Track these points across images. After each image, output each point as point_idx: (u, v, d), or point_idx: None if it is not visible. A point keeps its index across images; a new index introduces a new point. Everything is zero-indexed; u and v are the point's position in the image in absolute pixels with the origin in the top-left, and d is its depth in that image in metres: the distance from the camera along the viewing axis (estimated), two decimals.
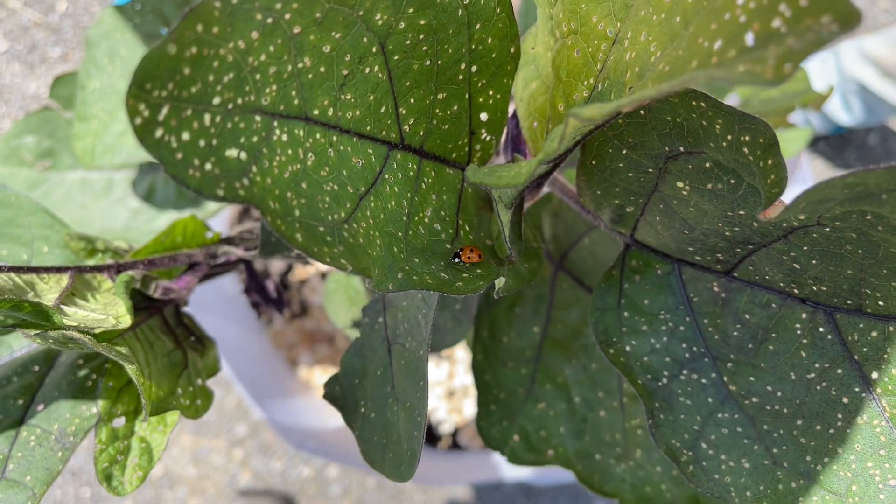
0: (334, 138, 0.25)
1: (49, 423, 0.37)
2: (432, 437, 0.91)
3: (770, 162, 0.24)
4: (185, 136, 0.20)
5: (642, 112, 0.29)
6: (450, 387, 0.93)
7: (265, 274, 0.49)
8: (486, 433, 0.46)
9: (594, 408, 0.45)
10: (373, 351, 0.36)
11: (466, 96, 0.31)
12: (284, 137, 0.23)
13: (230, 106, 0.21)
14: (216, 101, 0.21)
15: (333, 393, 0.37)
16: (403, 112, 0.28)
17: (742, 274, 0.32)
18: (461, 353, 0.95)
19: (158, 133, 0.20)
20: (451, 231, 0.31)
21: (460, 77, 0.30)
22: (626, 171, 0.31)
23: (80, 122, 0.56)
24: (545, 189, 0.42)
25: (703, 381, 0.33)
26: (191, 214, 0.42)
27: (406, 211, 0.29)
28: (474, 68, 0.30)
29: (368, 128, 0.27)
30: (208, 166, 0.21)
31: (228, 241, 0.43)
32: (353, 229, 0.26)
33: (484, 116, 0.32)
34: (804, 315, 0.31)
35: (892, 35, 1.14)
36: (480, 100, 0.31)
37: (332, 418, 0.91)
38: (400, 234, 0.28)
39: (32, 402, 0.39)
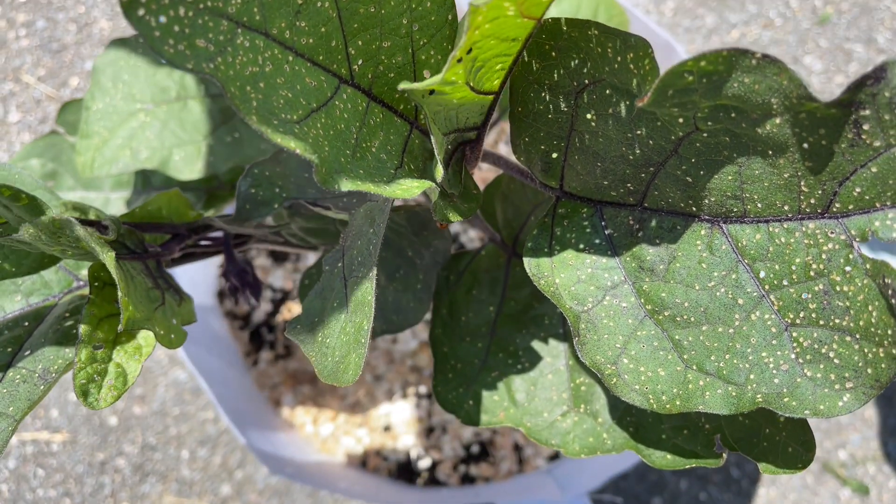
0: (290, 58, 0.31)
1: (34, 364, 0.41)
2: (410, 472, 0.92)
3: (647, 67, 0.30)
4: (163, 19, 0.26)
5: (553, 54, 0.34)
6: (429, 424, 0.94)
7: (245, 277, 0.53)
8: (443, 398, 0.49)
9: (543, 371, 0.48)
10: (332, 290, 0.40)
11: (410, 51, 0.36)
12: (247, 44, 0.29)
13: (201, 5, 0.27)
14: None
15: (294, 331, 0.41)
16: (353, 52, 0.34)
17: (651, 202, 0.36)
18: None
19: (140, 12, 0.25)
20: (395, 162, 0.36)
21: (403, 31, 0.35)
22: (545, 113, 0.36)
23: (82, 139, 0.62)
24: (486, 169, 0.47)
25: (624, 304, 0.37)
26: (175, 189, 0.47)
27: (355, 136, 0.34)
28: (415, 27, 0.36)
29: (321, 57, 0.32)
30: (181, 47, 0.26)
31: (209, 221, 0.47)
32: (305, 132, 0.31)
33: (427, 75, 0.38)
34: (703, 231, 0.35)
35: None
36: (423, 57, 0.37)
37: (314, 453, 0.93)
38: (348, 151, 0.33)
39: (20, 349, 0.43)
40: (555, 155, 0.38)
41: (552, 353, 0.49)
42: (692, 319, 0.35)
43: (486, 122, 0.38)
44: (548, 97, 0.36)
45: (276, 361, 0.99)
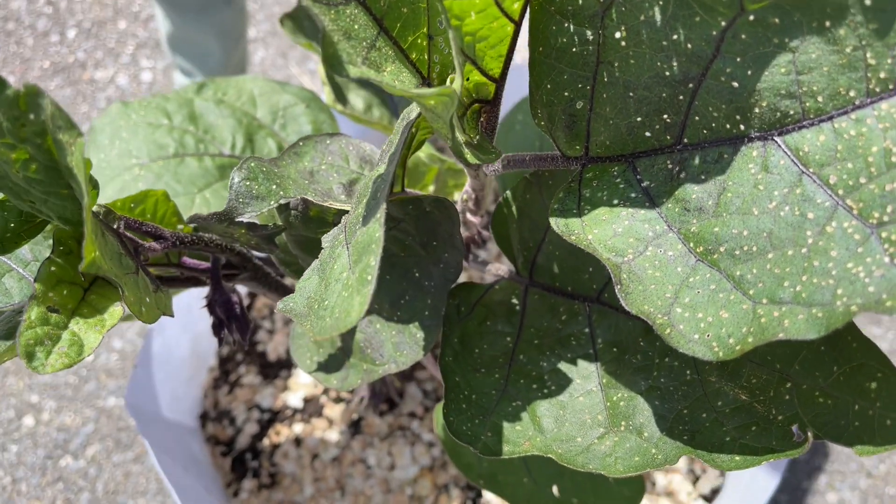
0: None
1: None
2: None
3: None
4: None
5: None
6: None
7: (231, 309, 0.48)
8: (457, 429, 0.41)
9: (573, 394, 0.41)
10: (331, 259, 0.35)
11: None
12: None
13: None
14: None
15: (286, 307, 0.35)
16: None
17: (691, 135, 0.33)
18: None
19: None
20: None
21: None
22: (569, 47, 0.34)
23: None
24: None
25: (670, 253, 0.32)
26: (163, 190, 0.43)
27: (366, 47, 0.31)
28: None
29: None
30: None
31: (195, 219, 0.43)
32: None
33: (441, 23, 0.36)
34: (755, 153, 0.31)
35: None
36: (438, 7, 0.35)
37: None
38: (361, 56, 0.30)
39: None
40: (580, 105, 0.35)
41: (582, 374, 0.42)
42: (754, 249, 0.30)
43: (503, 74, 0.36)
44: (571, 27, 0.33)
45: (259, 491, 0.88)
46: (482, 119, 0.38)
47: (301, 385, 0.93)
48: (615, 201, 0.34)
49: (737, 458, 0.34)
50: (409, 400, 0.91)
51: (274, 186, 0.42)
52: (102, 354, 1.27)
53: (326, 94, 0.62)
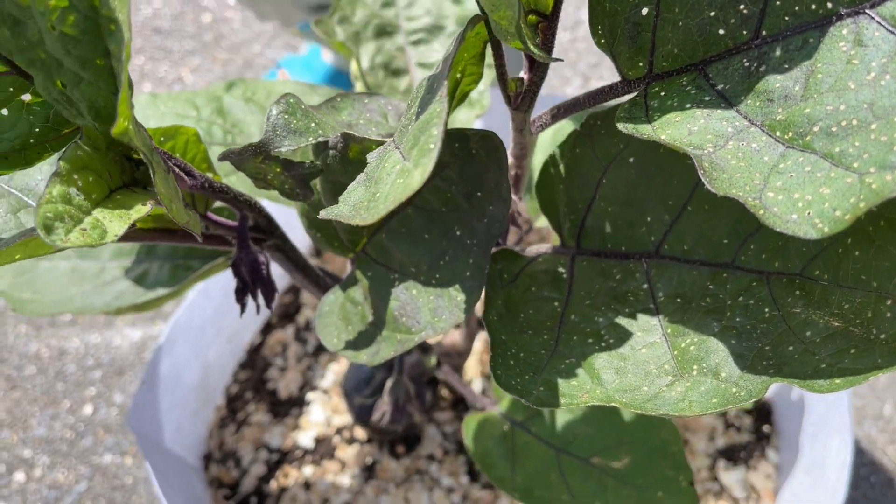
0: None
1: None
2: None
3: None
4: None
5: None
6: None
7: (258, 271, 0.44)
8: (505, 383, 0.37)
9: (634, 347, 0.37)
10: (382, 162, 0.32)
11: None
12: None
13: None
14: None
15: (331, 212, 0.32)
16: None
17: (770, 26, 0.31)
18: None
19: None
20: None
21: None
22: None
23: None
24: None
25: (754, 145, 0.29)
26: (195, 129, 0.41)
27: None
28: None
29: None
30: None
31: (228, 189, 0.40)
32: None
33: None
34: (844, 31, 0.29)
35: None
36: None
37: None
38: None
39: None
40: (645, 10, 0.33)
41: (643, 328, 0.38)
42: (854, 123, 0.27)
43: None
44: None
45: None
46: (538, 35, 0.36)
47: (313, 424, 0.87)
48: (687, 105, 0.32)
49: (837, 380, 0.29)
50: (428, 442, 0.85)
51: (313, 124, 0.40)
52: (102, 408, 1.21)
53: (359, 90, 0.61)
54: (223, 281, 0.85)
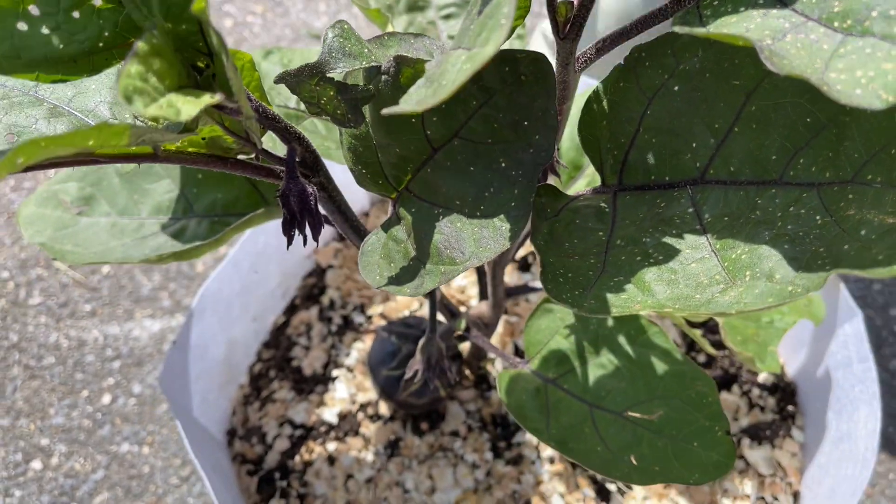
0: None
1: None
2: None
3: None
4: None
5: None
6: None
7: (307, 202, 0.45)
8: (557, 295, 0.37)
9: (683, 262, 0.38)
10: (444, 63, 0.33)
11: None
12: None
13: None
14: None
15: (392, 109, 0.32)
16: None
17: None
18: None
19: None
20: None
21: None
22: None
23: None
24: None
25: (813, 36, 0.30)
26: (250, 56, 0.42)
27: None
28: None
29: None
30: None
31: (280, 119, 0.41)
32: None
33: None
34: None
35: None
36: None
37: None
38: None
39: None
40: None
41: (691, 245, 0.39)
42: None
43: None
44: None
45: None
46: None
47: (337, 401, 0.87)
48: (742, 8, 0.33)
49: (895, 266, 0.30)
50: (452, 419, 0.85)
51: (366, 50, 0.41)
52: (120, 398, 1.21)
53: None
54: (252, 256, 0.86)
